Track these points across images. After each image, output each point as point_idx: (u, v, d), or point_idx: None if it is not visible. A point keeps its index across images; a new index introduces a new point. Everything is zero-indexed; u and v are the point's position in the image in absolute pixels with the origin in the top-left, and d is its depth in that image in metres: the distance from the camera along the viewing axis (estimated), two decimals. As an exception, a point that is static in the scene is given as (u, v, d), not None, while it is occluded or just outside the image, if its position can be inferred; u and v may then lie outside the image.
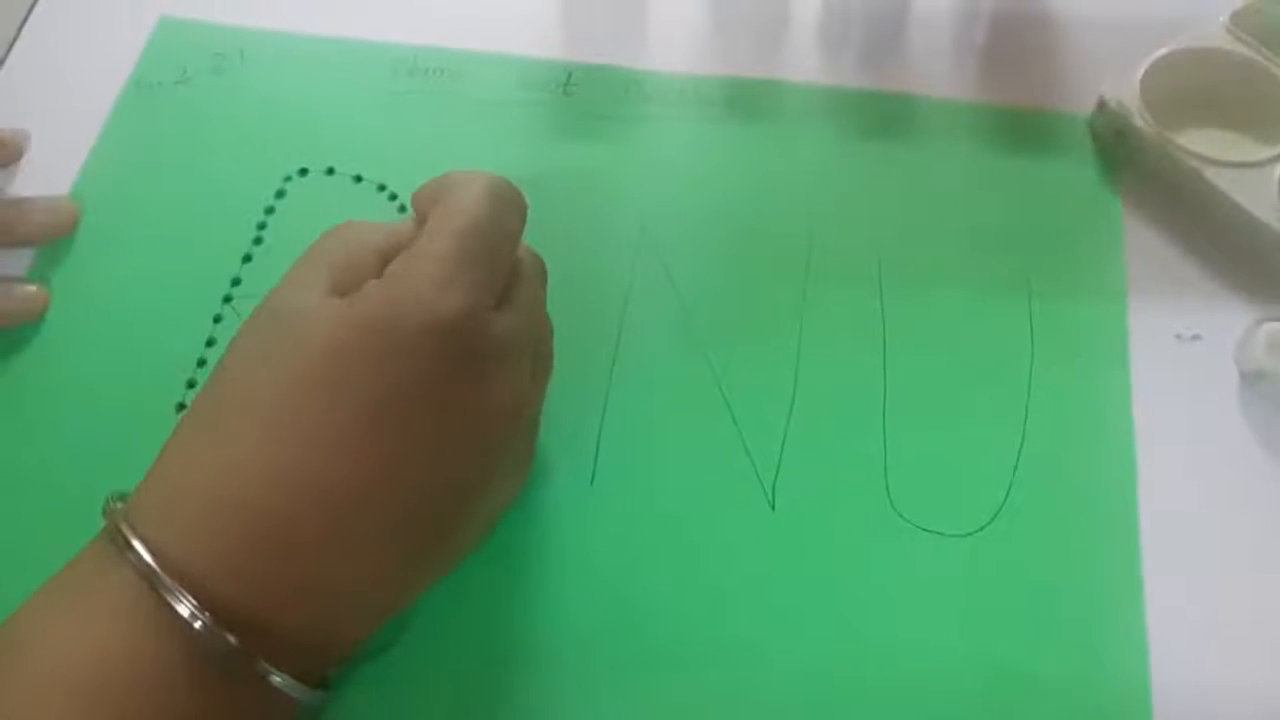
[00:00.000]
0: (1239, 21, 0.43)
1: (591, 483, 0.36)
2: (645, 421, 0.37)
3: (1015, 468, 0.36)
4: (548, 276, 0.35)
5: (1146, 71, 0.42)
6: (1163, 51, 0.42)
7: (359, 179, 0.42)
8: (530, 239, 0.41)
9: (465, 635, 0.34)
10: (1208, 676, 0.33)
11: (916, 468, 0.36)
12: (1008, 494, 0.36)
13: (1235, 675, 0.33)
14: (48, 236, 0.41)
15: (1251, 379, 0.38)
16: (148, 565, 0.26)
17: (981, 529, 0.35)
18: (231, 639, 0.26)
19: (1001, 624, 0.34)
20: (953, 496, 0.36)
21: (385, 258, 0.31)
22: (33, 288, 0.40)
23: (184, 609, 0.26)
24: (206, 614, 0.26)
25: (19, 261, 0.41)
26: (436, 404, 0.28)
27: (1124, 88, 0.42)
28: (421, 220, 0.32)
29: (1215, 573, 0.35)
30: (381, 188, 0.42)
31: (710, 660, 0.34)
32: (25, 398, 0.38)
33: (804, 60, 0.46)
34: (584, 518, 0.36)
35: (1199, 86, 0.42)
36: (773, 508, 0.36)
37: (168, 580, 0.26)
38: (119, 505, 0.28)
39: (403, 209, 0.42)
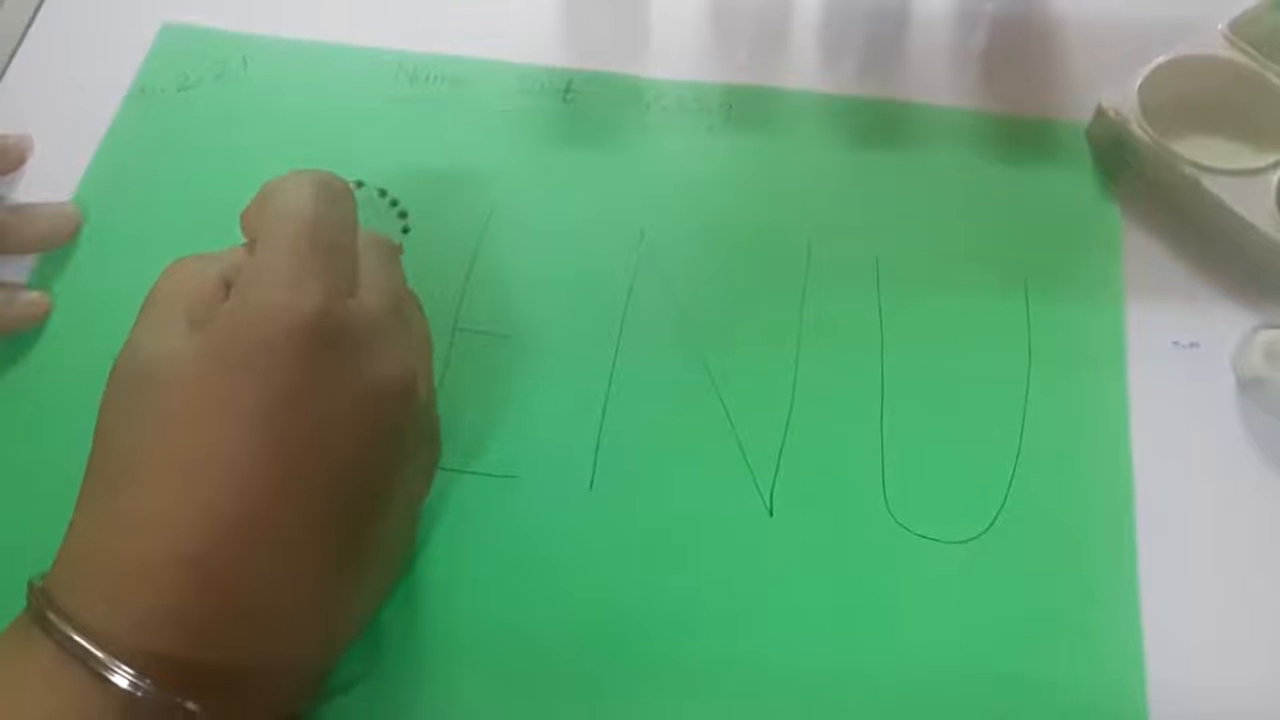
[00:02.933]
0: (1237, 30, 0.43)
1: (590, 488, 0.37)
2: (644, 427, 0.38)
3: (1012, 474, 0.36)
4: (400, 254, 0.35)
5: (1145, 80, 0.42)
6: (1161, 60, 0.42)
7: (360, 185, 0.43)
8: (530, 245, 0.41)
9: (461, 640, 0.34)
10: (1204, 681, 0.33)
11: (914, 474, 0.36)
12: (1005, 500, 0.36)
13: (1231, 679, 0.34)
14: (50, 243, 0.41)
15: (1248, 386, 0.38)
16: (76, 643, 0.26)
17: (978, 535, 0.36)
18: (191, 705, 0.26)
19: (999, 630, 0.34)
20: (950, 503, 0.36)
21: (228, 281, 0.30)
22: (35, 294, 0.40)
23: (122, 680, 0.25)
24: (147, 680, 0.26)
25: (21, 268, 0.41)
26: (317, 401, 0.28)
27: (1122, 96, 0.42)
28: (253, 239, 0.31)
29: (1211, 578, 0.35)
30: (383, 193, 0.42)
31: (708, 667, 0.34)
32: (27, 404, 0.38)
33: (803, 68, 0.46)
34: (583, 523, 0.36)
35: (1197, 95, 0.43)
36: (770, 514, 0.36)
37: (101, 655, 0.26)
38: (40, 585, 0.28)
39: (404, 215, 0.42)
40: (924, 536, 0.35)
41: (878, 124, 0.44)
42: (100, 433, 0.29)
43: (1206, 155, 0.40)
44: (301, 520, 0.28)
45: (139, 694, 0.25)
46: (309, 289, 0.28)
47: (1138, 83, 0.42)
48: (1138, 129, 0.41)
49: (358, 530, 0.30)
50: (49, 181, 0.43)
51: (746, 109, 0.45)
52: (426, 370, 0.34)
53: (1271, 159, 0.40)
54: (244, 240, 0.32)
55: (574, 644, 0.34)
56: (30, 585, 0.28)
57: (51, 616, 0.26)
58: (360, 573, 0.30)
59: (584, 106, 0.45)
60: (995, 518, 0.36)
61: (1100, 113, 0.42)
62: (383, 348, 0.30)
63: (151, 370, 0.29)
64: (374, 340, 0.30)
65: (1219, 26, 0.43)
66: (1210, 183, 0.40)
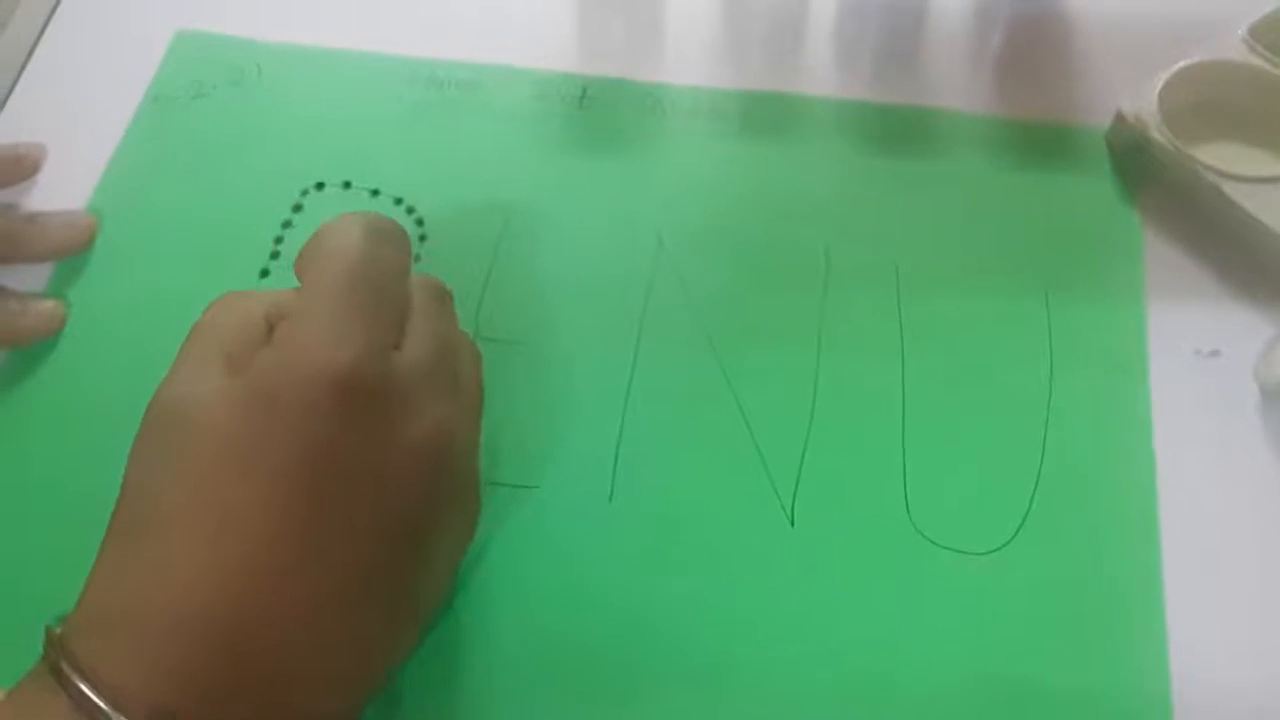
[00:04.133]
0: (1257, 34, 0.43)
1: (610, 499, 0.36)
2: (663, 438, 0.37)
3: (1035, 484, 0.36)
4: (452, 298, 0.34)
5: (1165, 85, 0.42)
6: (1181, 65, 0.42)
7: (376, 193, 0.42)
8: (547, 253, 0.41)
9: (479, 651, 0.34)
10: (1230, 691, 0.33)
11: (936, 484, 0.36)
12: (1028, 511, 0.36)
13: (1258, 691, 0.33)
14: (65, 251, 0.41)
15: (1271, 395, 0.38)
16: (90, 700, 0.25)
17: (1001, 547, 0.35)
18: None
19: (1022, 641, 0.34)
20: (973, 513, 0.36)
21: (273, 323, 0.30)
22: (50, 304, 0.40)
23: None
24: None
25: (36, 277, 0.41)
26: (351, 459, 0.27)
27: (1142, 101, 0.42)
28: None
29: (1237, 588, 0.35)
30: (398, 201, 0.42)
31: (729, 678, 0.33)
32: (42, 413, 0.38)
33: (820, 74, 0.46)
34: (602, 534, 0.36)
35: (1217, 100, 0.42)
36: (792, 524, 0.36)
37: (115, 716, 0.25)
38: (58, 632, 0.27)
39: (420, 222, 0.42)
40: (947, 547, 0.35)
41: (895, 130, 0.44)
42: (130, 472, 0.29)
43: (1227, 161, 0.40)
44: (330, 582, 0.27)
45: None
46: (349, 339, 0.28)
47: (1157, 88, 0.42)
48: (1158, 134, 0.41)
49: (390, 591, 0.29)
50: (63, 190, 0.43)
51: (763, 115, 0.44)
52: (472, 424, 0.33)
53: (1293, 165, 0.40)
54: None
55: (593, 655, 0.34)
56: (47, 632, 0.27)
57: (66, 668, 0.26)
58: (392, 631, 0.30)
59: (599, 112, 0.45)
60: (1018, 528, 0.35)
61: (1120, 118, 0.42)
62: (422, 404, 0.29)
63: (184, 412, 0.28)
64: (413, 396, 0.29)
65: (1239, 31, 0.43)
66: (1232, 189, 0.39)
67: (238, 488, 0.27)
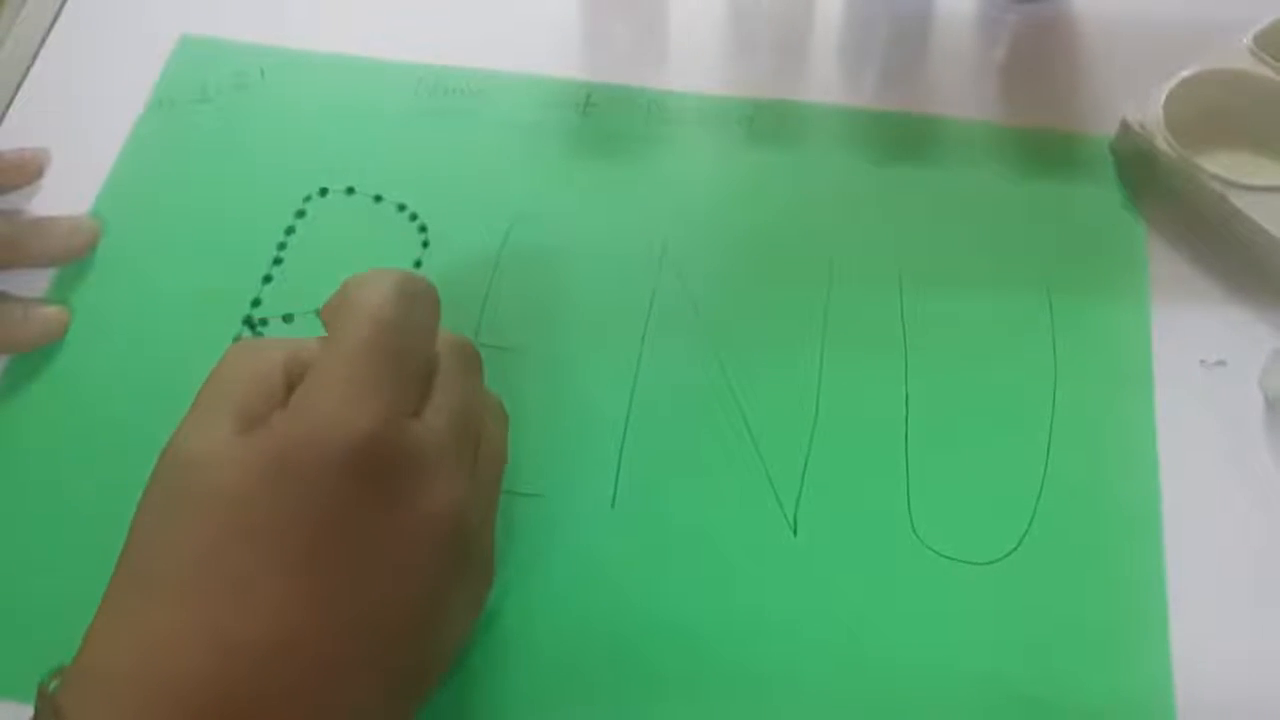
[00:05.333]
0: (1261, 43, 0.42)
1: (612, 506, 0.36)
2: (666, 445, 0.37)
3: (1039, 494, 0.36)
4: (480, 360, 0.33)
5: (1169, 93, 0.42)
6: (1185, 73, 0.42)
7: (379, 199, 0.42)
8: (550, 259, 0.41)
9: (481, 657, 0.34)
10: (1234, 702, 0.33)
11: (940, 494, 0.36)
12: (1031, 521, 0.36)
13: (1262, 701, 0.33)
14: (69, 256, 0.41)
15: (1276, 405, 0.37)
16: None
17: (1005, 556, 0.35)
18: None
19: (1025, 651, 0.34)
20: (976, 523, 0.36)
21: (291, 377, 0.29)
22: (52, 310, 0.40)
23: None
24: None
25: (39, 282, 0.41)
26: (362, 533, 0.27)
27: (1147, 110, 0.41)
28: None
29: (1241, 598, 0.35)
30: (401, 207, 0.42)
31: (731, 686, 0.33)
32: (45, 418, 0.38)
33: (825, 81, 0.45)
34: (605, 541, 0.36)
35: (1222, 108, 0.42)
36: (794, 533, 0.36)
37: None
38: (52, 685, 0.27)
39: (423, 229, 0.42)
40: (949, 557, 0.35)
41: (900, 137, 0.44)
42: (139, 521, 0.28)
43: (1232, 170, 0.40)
44: (333, 657, 0.27)
45: None
46: (368, 409, 0.27)
47: (1163, 97, 0.41)
48: (1163, 143, 0.41)
49: (393, 666, 0.28)
50: (66, 195, 0.43)
51: (768, 122, 0.44)
52: (489, 497, 0.32)
53: (1299, 174, 0.40)
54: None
55: (596, 662, 0.34)
56: (40, 689, 0.27)
57: None
58: (393, 705, 0.29)
59: (603, 119, 0.45)
60: (1022, 538, 0.35)
61: (1125, 126, 0.42)
62: (437, 475, 0.28)
63: (194, 468, 0.27)
64: (429, 467, 0.28)
65: (1243, 40, 0.43)
66: (1237, 198, 0.39)
67: (245, 557, 0.26)
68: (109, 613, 0.27)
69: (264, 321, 0.40)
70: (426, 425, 0.29)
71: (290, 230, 0.42)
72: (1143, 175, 0.42)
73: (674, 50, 0.47)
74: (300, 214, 0.42)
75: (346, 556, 0.27)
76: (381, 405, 0.27)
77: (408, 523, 0.28)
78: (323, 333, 0.31)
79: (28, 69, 0.46)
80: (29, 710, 0.32)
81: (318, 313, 0.31)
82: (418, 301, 0.31)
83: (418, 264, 0.41)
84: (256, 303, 0.40)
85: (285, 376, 0.29)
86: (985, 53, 0.46)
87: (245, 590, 0.26)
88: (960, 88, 0.45)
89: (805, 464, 0.37)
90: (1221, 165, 0.40)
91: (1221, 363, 0.39)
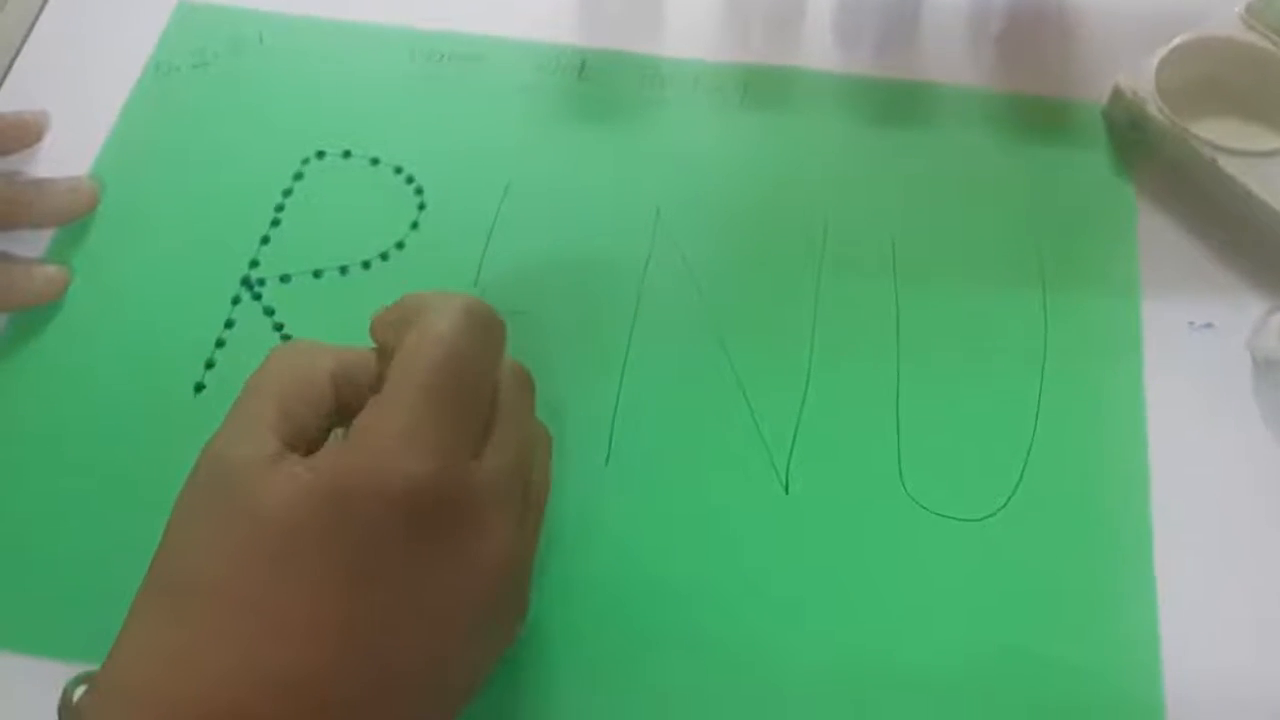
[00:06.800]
0: (1253, 12, 0.43)
1: (606, 463, 0.37)
2: (660, 404, 0.38)
3: (1028, 453, 0.36)
4: (534, 386, 0.32)
5: (1162, 61, 0.42)
6: (1178, 41, 0.42)
7: (376, 162, 0.43)
8: (545, 223, 0.41)
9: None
10: (1220, 662, 0.33)
11: (930, 453, 0.37)
12: (1020, 479, 0.36)
13: (1247, 661, 0.34)
14: (69, 216, 0.41)
15: (1264, 367, 0.38)
16: None
17: (994, 514, 0.36)
18: None
19: (1013, 609, 0.34)
20: (965, 481, 0.36)
21: (339, 388, 0.29)
22: (53, 269, 0.40)
23: None
24: None
25: (38, 242, 0.41)
26: (406, 579, 0.26)
27: (1139, 77, 0.42)
28: (383, 351, 0.29)
29: (1228, 559, 0.35)
30: (398, 170, 0.42)
31: (722, 642, 0.34)
32: (45, 378, 0.38)
33: (819, 48, 0.46)
34: (598, 498, 0.36)
35: (1214, 76, 0.42)
36: (786, 491, 0.36)
37: None
38: (78, 691, 0.26)
39: (419, 191, 0.42)
40: (939, 514, 0.36)
41: (894, 104, 0.44)
42: (175, 523, 0.27)
43: (1223, 136, 0.40)
44: (357, 696, 0.26)
45: None
46: (431, 447, 0.26)
47: (1155, 64, 0.42)
48: (1155, 110, 0.41)
49: (425, 697, 0.27)
50: (66, 157, 0.43)
51: (762, 89, 0.45)
52: (535, 529, 0.32)
53: (1289, 140, 0.40)
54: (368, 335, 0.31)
55: (586, 618, 0.34)
56: (64, 695, 0.26)
57: None
58: None
59: (599, 85, 0.45)
60: (1010, 496, 0.36)
61: (1117, 93, 0.42)
62: (491, 520, 0.28)
63: (237, 478, 0.26)
64: (486, 514, 0.27)
65: (1236, 8, 0.43)
66: (1228, 164, 0.40)
67: (281, 583, 0.25)
68: (137, 621, 0.26)
69: (261, 281, 0.40)
70: (487, 467, 0.28)
71: (288, 192, 0.42)
72: (1134, 142, 0.42)
73: (670, 16, 0.47)
74: (298, 176, 0.42)
75: (385, 599, 0.26)
76: (446, 445, 0.26)
77: (462, 569, 0.27)
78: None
79: (28, 32, 0.46)
80: (26, 661, 0.33)
81: (370, 327, 0.30)
82: (487, 330, 0.29)
83: (414, 226, 0.41)
84: (254, 264, 0.40)
85: (333, 387, 0.29)
86: (979, 20, 0.46)
87: (276, 617, 0.25)
88: (954, 55, 0.45)
89: (798, 422, 0.37)
90: (1212, 132, 0.40)
91: (1210, 325, 0.39)
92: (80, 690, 0.26)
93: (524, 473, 0.30)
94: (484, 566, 0.27)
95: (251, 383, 0.29)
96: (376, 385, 0.28)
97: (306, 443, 0.28)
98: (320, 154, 0.43)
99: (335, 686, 0.26)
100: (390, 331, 0.29)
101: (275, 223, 0.41)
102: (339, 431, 0.28)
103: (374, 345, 0.30)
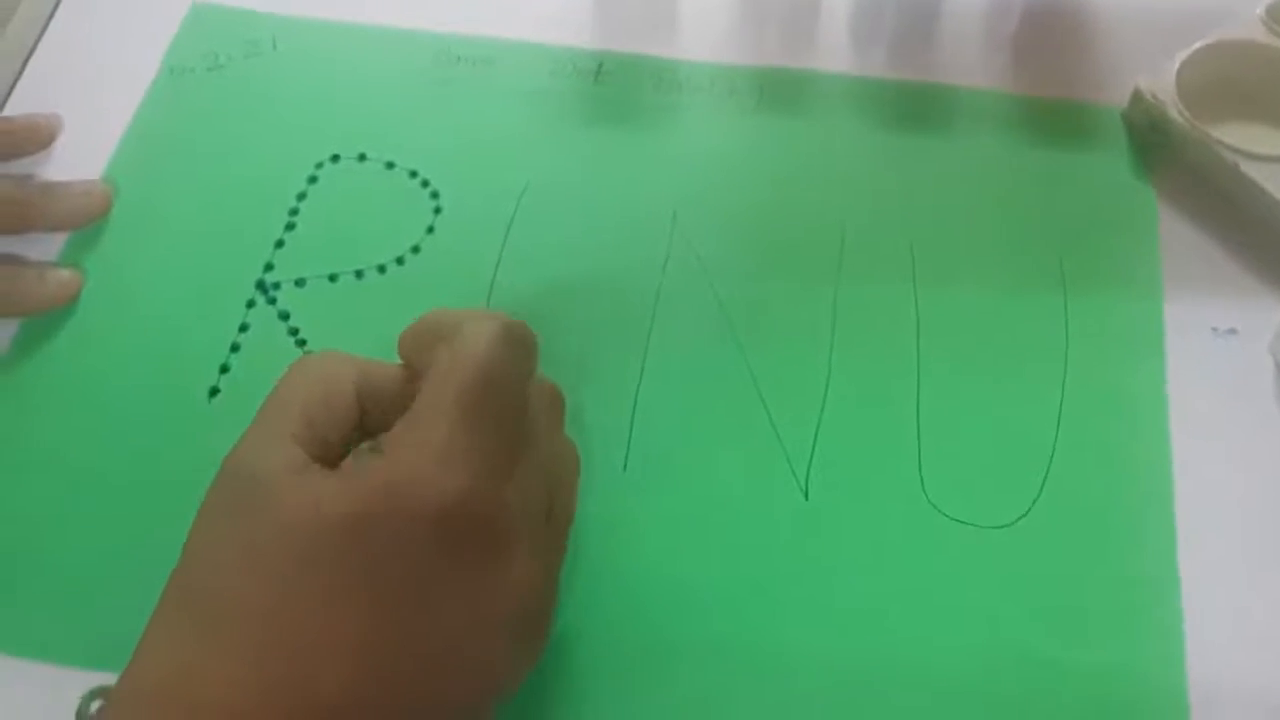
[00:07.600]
0: (1275, 14, 0.42)
1: (624, 469, 0.36)
2: (678, 409, 0.37)
3: (1050, 460, 0.36)
4: (564, 404, 0.32)
5: (1183, 64, 0.42)
6: (1199, 44, 0.42)
7: (391, 165, 0.42)
8: (562, 228, 0.41)
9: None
10: (1245, 669, 0.33)
11: (951, 459, 0.36)
12: (1043, 486, 0.36)
13: (1273, 668, 0.33)
14: (82, 220, 0.41)
15: (1288, 373, 0.38)
16: None
17: (1016, 521, 0.35)
18: None
19: (1036, 616, 0.34)
20: (987, 487, 0.36)
21: (364, 401, 0.28)
22: (66, 272, 0.40)
23: None
24: None
25: (51, 246, 0.41)
26: (432, 599, 0.26)
27: (1160, 80, 0.41)
28: (409, 367, 0.29)
29: (1252, 565, 0.35)
30: (413, 174, 0.42)
31: (741, 648, 0.33)
32: (59, 382, 0.38)
33: (836, 50, 0.45)
34: (616, 504, 0.36)
35: (1235, 79, 0.42)
36: (806, 497, 0.36)
37: None
38: (93, 705, 0.26)
39: (435, 195, 0.42)
40: (960, 521, 0.35)
41: (911, 107, 0.44)
42: (197, 532, 0.27)
43: (1245, 140, 0.40)
44: (381, 712, 0.26)
45: None
46: (465, 468, 0.26)
47: (1176, 67, 0.42)
48: (1176, 113, 0.41)
49: (445, 718, 0.27)
50: (79, 160, 0.43)
51: (779, 91, 0.44)
52: (559, 551, 0.31)
53: (1311, 144, 0.40)
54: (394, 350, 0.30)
55: (605, 626, 0.34)
56: (80, 708, 0.26)
57: None
58: None
59: (615, 88, 0.45)
60: (1033, 503, 0.35)
61: (1138, 96, 0.42)
62: (518, 542, 0.27)
63: (260, 488, 0.26)
64: (512, 532, 0.27)
65: (1257, 11, 0.43)
66: (1249, 168, 0.39)
67: (302, 597, 0.25)
68: (158, 631, 0.26)
69: (276, 285, 0.40)
70: (517, 488, 0.27)
71: (302, 196, 0.42)
72: (1155, 145, 0.42)
73: (686, 19, 0.47)
74: (312, 180, 0.42)
75: (409, 619, 0.26)
76: (482, 463, 0.26)
77: (478, 597, 0.27)
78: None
79: (40, 35, 0.46)
80: (40, 668, 0.33)
81: (398, 342, 0.30)
82: (522, 349, 0.29)
83: (430, 230, 0.41)
84: (269, 267, 0.40)
85: (357, 397, 0.28)
86: (998, 21, 0.46)
87: (295, 630, 0.25)
88: (972, 57, 0.45)
89: (817, 428, 0.37)
90: (1234, 135, 0.40)
91: (1233, 331, 0.39)
92: (96, 705, 0.26)
93: (552, 494, 0.30)
94: (509, 588, 0.27)
95: (276, 393, 0.29)
96: (405, 401, 0.27)
97: (329, 455, 0.28)
98: (335, 157, 0.43)
99: (352, 705, 0.25)
100: (419, 348, 0.29)
101: (290, 226, 0.41)
102: (363, 445, 0.27)
103: (398, 358, 0.30)
